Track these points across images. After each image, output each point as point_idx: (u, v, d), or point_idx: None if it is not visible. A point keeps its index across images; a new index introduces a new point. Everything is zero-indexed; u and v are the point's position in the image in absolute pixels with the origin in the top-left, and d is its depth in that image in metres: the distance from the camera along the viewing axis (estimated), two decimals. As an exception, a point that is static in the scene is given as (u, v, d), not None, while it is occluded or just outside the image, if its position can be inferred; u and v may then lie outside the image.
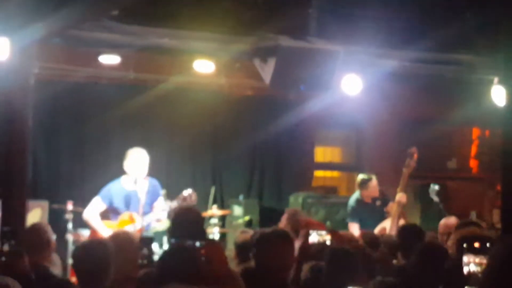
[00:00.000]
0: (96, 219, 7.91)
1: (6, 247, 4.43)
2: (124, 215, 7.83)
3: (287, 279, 4.55)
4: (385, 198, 8.96)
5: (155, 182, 8.08)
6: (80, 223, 8.34)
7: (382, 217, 8.80)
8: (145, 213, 7.79)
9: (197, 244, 4.44)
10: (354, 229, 8.84)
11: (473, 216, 10.56)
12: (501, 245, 2.35)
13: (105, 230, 7.76)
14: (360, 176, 9.16)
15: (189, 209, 5.51)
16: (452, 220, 7.32)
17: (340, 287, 4.24)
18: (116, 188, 7.96)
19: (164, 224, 7.94)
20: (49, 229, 5.70)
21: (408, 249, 5.78)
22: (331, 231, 5.69)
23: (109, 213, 7.98)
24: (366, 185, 9.01)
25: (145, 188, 7.83)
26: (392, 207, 8.61)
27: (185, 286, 1.63)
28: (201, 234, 4.99)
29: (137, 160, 7.91)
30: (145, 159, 7.94)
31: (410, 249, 5.67)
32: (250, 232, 6.67)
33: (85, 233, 8.44)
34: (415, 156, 8.55)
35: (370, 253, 5.53)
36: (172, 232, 4.94)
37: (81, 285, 4.65)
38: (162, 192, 9.11)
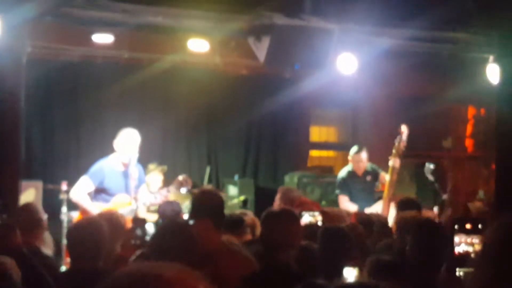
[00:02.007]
0: (86, 200, 7.68)
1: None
2: (118, 197, 7.74)
3: (291, 258, 4.54)
4: (375, 172, 8.96)
5: (141, 168, 8.02)
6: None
7: (372, 192, 8.83)
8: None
9: (190, 222, 4.42)
10: (344, 201, 8.86)
11: (480, 194, 10.59)
12: (498, 224, 2.31)
13: (99, 210, 7.53)
14: (352, 148, 9.20)
15: (212, 192, 5.38)
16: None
17: (335, 268, 4.22)
18: (108, 168, 7.80)
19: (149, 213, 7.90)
20: (40, 208, 5.68)
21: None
22: (322, 211, 5.69)
23: (97, 193, 7.80)
24: (352, 156, 9.02)
25: (136, 171, 7.75)
26: (384, 177, 8.64)
27: (151, 264, 1.61)
28: (222, 218, 4.90)
29: (128, 140, 7.81)
30: (137, 140, 7.84)
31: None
32: (248, 214, 6.67)
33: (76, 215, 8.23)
34: (404, 135, 8.50)
35: (362, 231, 5.52)
36: (193, 213, 4.86)
37: (73, 264, 4.64)
38: (152, 165, 9.10)
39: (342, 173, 9.17)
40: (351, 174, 9.06)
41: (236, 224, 6.00)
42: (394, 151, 8.48)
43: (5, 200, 6.36)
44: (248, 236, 6.11)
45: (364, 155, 8.97)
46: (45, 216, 5.67)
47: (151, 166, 9.00)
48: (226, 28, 7.46)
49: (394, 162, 8.45)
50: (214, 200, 4.91)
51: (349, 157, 9.14)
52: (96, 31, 8.61)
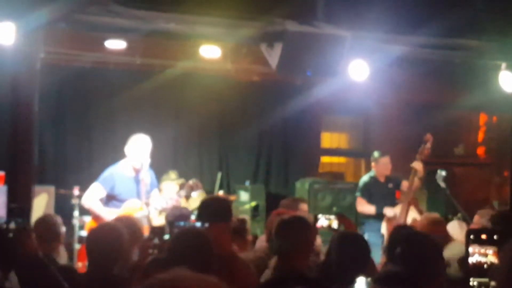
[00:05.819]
0: (99, 205, 7.71)
1: (13, 225, 4.44)
2: (129, 202, 7.74)
3: (306, 264, 4.53)
4: (398, 180, 9.05)
5: (153, 173, 8.03)
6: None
7: (393, 199, 8.86)
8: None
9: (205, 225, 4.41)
10: (362, 203, 9.01)
11: (495, 204, 10.56)
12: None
13: (113, 215, 7.53)
14: (375, 153, 9.29)
15: (216, 197, 5.38)
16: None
17: (350, 276, 4.18)
18: (118, 174, 7.81)
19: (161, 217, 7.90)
20: (59, 221, 5.71)
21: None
22: (340, 216, 5.63)
23: (108, 199, 7.81)
24: (377, 160, 9.15)
25: (148, 176, 7.76)
26: (405, 185, 8.73)
27: (190, 272, 1.67)
28: (228, 217, 4.89)
29: (140, 145, 7.82)
30: (148, 145, 7.85)
31: None
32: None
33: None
34: (429, 143, 8.60)
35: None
36: (199, 219, 4.85)
37: (90, 269, 4.63)
38: (174, 174, 9.11)
39: (365, 178, 9.35)
40: (373, 180, 9.19)
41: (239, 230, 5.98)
42: (418, 156, 8.59)
43: (18, 205, 6.41)
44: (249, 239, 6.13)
45: (384, 160, 9.13)
46: (63, 229, 5.70)
47: (172, 175, 8.98)
48: (238, 35, 7.46)
49: (417, 165, 8.55)
50: (228, 203, 4.93)
51: (373, 162, 9.27)
52: (109, 38, 8.65)
